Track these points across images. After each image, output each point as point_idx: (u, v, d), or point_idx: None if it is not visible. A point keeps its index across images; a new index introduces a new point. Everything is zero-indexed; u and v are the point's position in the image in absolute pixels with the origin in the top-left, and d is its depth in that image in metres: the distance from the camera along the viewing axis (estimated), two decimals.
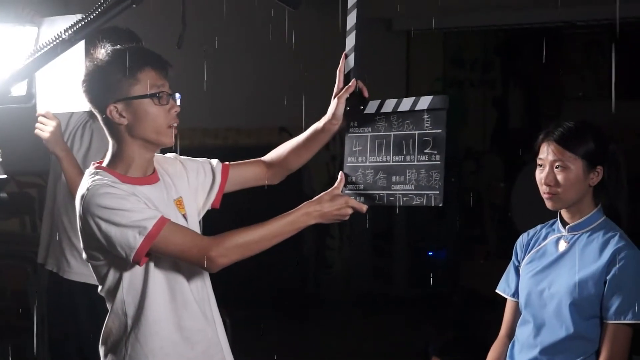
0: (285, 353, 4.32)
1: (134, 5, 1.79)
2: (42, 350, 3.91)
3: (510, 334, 2.56)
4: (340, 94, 2.05)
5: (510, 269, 2.60)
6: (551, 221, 2.54)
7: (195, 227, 2.05)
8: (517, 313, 2.53)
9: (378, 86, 2.54)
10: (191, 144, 4.99)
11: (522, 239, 2.59)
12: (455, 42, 6.93)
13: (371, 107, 2.07)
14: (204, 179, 2.11)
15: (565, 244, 2.43)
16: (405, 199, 1.96)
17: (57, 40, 1.79)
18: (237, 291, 4.36)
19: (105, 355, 2.01)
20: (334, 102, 2.07)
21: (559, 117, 2.47)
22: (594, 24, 6.00)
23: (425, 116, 1.96)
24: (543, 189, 2.39)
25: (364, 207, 1.96)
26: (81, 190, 1.89)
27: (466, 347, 3.07)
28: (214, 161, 2.16)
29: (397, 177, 2.00)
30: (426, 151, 1.93)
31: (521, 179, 3.27)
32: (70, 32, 1.79)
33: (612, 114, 4.63)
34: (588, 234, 2.40)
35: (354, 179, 2.06)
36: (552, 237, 2.49)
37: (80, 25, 1.79)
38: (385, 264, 6.28)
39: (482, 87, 7.15)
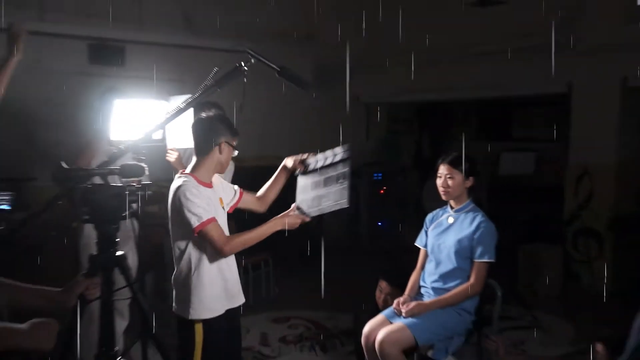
0: None
1: (218, 89, 2.57)
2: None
3: (422, 268, 3.65)
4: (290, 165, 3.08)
5: (422, 232, 3.68)
6: (444, 207, 3.63)
7: (224, 216, 2.99)
8: (425, 256, 3.63)
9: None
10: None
11: (429, 216, 3.71)
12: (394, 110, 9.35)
13: (311, 163, 3.06)
14: (230, 195, 3.14)
15: (452, 219, 3.54)
16: (329, 207, 2.92)
17: (178, 108, 2.62)
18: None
19: (177, 288, 2.92)
20: (288, 161, 3.08)
21: (449, 150, 3.62)
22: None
23: (339, 163, 2.98)
24: (440, 190, 3.51)
25: (307, 218, 2.95)
26: (175, 185, 2.84)
27: (400, 273, 3.81)
28: (236, 187, 3.19)
29: (325, 198, 2.95)
30: (338, 182, 2.94)
31: (428, 185, 4.09)
32: (184, 104, 2.62)
33: (477, 149, 6.26)
34: (464, 213, 3.51)
35: (301, 205, 3.00)
36: (445, 215, 3.60)
37: (189, 101, 2.62)
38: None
39: (408, 134, 9.91)
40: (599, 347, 3.02)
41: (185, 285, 2.87)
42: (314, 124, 8.45)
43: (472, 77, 7.41)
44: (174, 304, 2.97)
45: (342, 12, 8.75)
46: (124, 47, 6.96)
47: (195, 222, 2.74)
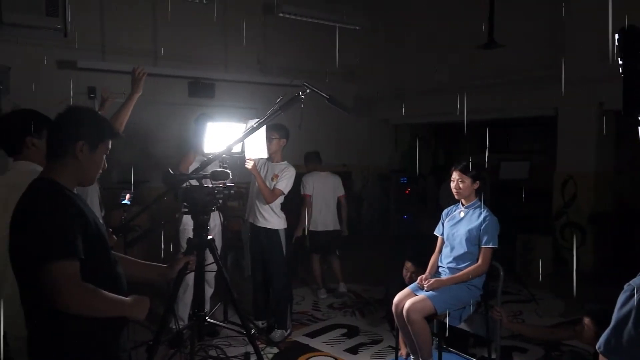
0: None
1: (282, 113, 2.59)
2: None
3: (439, 251, 3.56)
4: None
5: (440, 224, 3.60)
6: (457, 204, 3.57)
7: None
8: (442, 242, 3.55)
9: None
10: None
11: (445, 211, 3.63)
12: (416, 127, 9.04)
13: None
14: None
15: (463, 213, 3.47)
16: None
17: (251, 127, 2.70)
18: None
19: None
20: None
21: (460, 160, 3.55)
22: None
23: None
24: (453, 191, 3.45)
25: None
26: None
27: (421, 256, 3.74)
28: None
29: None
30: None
31: (444, 187, 3.98)
32: (256, 124, 2.69)
33: (482, 159, 6.08)
34: (473, 209, 3.44)
35: None
36: (457, 210, 3.54)
37: (260, 122, 2.65)
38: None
39: (427, 148, 9.58)
40: (587, 320, 2.87)
41: None
42: (357, 140, 8.45)
43: (479, 103, 7.29)
44: None
45: (376, 56, 8.74)
46: (214, 84, 7.09)
47: None
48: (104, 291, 1.62)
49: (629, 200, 6.48)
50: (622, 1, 5.42)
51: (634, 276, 1.19)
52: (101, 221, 1.77)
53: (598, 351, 1.19)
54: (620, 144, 6.43)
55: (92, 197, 3.02)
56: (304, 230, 5.19)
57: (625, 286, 1.18)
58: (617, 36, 1.39)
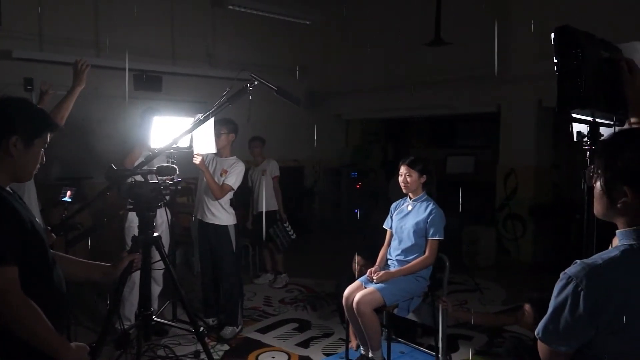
0: None
1: (230, 105, 2.44)
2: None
3: (388, 244, 3.59)
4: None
5: (388, 217, 3.64)
6: (404, 197, 3.60)
7: None
8: (391, 235, 3.58)
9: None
10: None
11: (393, 205, 3.67)
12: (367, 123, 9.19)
13: None
14: None
15: (411, 207, 3.51)
16: None
17: (198, 120, 2.51)
18: None
19: None
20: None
21: (408, 155, 3.58)
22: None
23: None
24: (401, 184, 3.49)
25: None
26: None
27: (371, 249, 3.78)
28: None
29: None
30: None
31: (393, 181, 3.91)
32: (202, 116, 2.50)
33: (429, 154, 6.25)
34: (420, 202, 3.48)
35: None
36: (405, 204, 3.57)
37: (207, 114, 2.49)
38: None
39: (377, 143, 9.73)
40: (527, 307, 2.99)
41: None
42: (308, 136, 8.46)
43: (426, 100, 7.46)
44: None
45: (328, 51, 8.76)
46: (161, 77, 6.90)
47: None
48: (45, 318, 1.51)
49: (566, 193, 6.80)
50: (563, 2, 5.68)
51: (570, 265, 1.24)
52: (38, 220, 1.67)
53: (537, 337, 1.24)
54: (558, 139, 6.74)
55: (30, 193, 2.88)
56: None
57: (562, 275, 1.24)
58: (552, 35, 1.44)
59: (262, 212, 5.48)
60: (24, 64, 5.72)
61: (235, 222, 4.16)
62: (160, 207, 2.50)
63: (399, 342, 3.89)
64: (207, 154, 3.90)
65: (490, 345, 3.94)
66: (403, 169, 3.49)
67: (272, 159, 5.69)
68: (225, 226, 4.05)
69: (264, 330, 4.32)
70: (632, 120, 1.49)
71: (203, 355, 2.81)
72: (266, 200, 5.53)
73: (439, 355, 3.40)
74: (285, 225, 5.57)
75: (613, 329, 1.18)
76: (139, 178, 2.46)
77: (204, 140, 3.46)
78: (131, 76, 6.66)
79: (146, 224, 2.45)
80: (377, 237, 3.68)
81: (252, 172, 5.64)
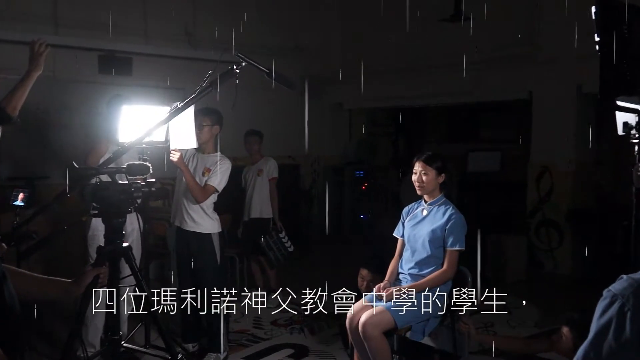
0: None
1: (213, 90, 2.44)
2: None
3: (400, 256, 3.59)
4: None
5: (400, 223, 3.63)
6: (419, 201, 3.59)
7: None
8: (403, 245, 3.57)
9: None
10: None
11: (405, 209, 3.65)
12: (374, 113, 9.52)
13: None
14: None
15: (426, 211, 3.49)
16: None
17: (176, 108, 2.55)
18: None
19: None
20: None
21: (423, 150, 3.61)
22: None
23: None
24: (416, 185, 3.46)
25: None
26: None
27: (379, 261, 3.78)
28: None
29: None
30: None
31: (406, 181, 3.97)
32: (181, 104, 2.53)
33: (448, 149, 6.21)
34: (437, 206, 3.46)
35: None
36: (419, 208, 3.55)
37: (186, 101, 2.50)
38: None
39: (386, 137, 9.94)
40: (565, 330, 2.99)
41: None
42: (305, 128, 8.47)
43: (443, 85, 7.46)
44: None
45: (327, 27, 8.76)
46: (131, 59, 6.90)
47: None
48: None
49: (610, 195, 6.79)
50: None
51: (615, 280, 1.24)
52: None
53: None
54: (601, 132, 6.73)
55: None
56: None
57: (605, 292, 1.23)
58: (593, 9, 1.43)
59: (254, 218, 5.45)
60: None
61: (220, 230, 4.16)
62: (131, 212, 2.50)
63: None
64: (187, 150, 3.89)
65: None
66: (418, 167, 3.49)
67: (271, 157, 5.69)
68: (208, 234, 4.04)
69: (253, 358, 4.31)
70: None
71: None
72: (259, 206, 5.53)
73: None
74: (281, 235, 5.55)
75: None
76: (105, 178, 2.45)
77: (182, 133, 3.42)
78: (95, 57, 6.67)
79: (114, 233, 2.45)
80: (387, 248, 3.68)
81: (246, 172, 5.63)
